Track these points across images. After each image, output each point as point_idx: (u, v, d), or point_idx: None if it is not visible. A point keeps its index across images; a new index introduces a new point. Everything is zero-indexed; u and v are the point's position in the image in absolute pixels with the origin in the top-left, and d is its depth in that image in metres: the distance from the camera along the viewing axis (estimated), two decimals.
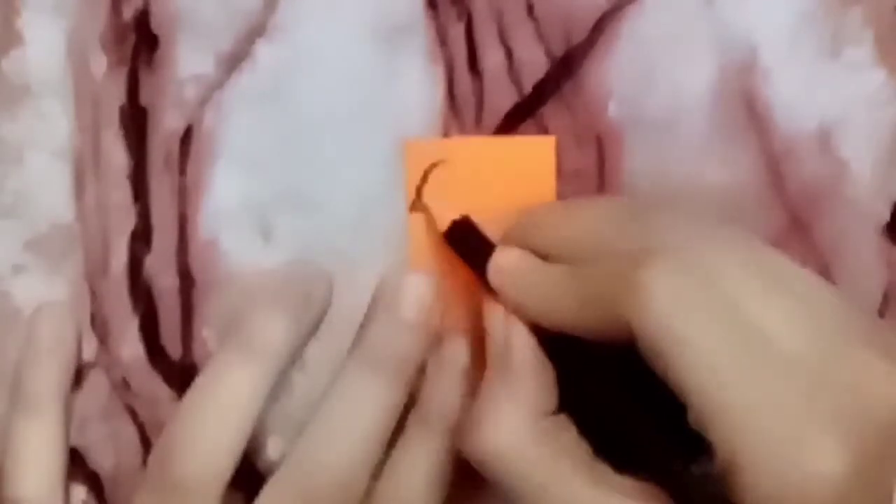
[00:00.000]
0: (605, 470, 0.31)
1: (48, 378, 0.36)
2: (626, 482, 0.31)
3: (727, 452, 0.28)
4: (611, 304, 0.30)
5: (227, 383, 0.34)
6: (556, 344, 0.32)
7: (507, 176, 0.37)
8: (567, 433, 0.32)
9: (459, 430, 0.33)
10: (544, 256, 0.33)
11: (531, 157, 0.37)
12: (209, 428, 0.33)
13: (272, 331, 0.34)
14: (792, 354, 0.28)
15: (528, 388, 0.32)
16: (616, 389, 0.32)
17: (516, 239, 0.34)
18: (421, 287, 0.35)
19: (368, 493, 0.34)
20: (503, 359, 0.33)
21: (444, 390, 0.35)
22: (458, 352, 0.35)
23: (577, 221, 0.33)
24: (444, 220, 0.36)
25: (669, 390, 0.29)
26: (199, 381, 0.34)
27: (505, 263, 0.34)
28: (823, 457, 0.27)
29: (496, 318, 0.34)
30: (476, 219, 0.36)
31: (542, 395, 0.32)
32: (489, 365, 0.33)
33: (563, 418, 0.32)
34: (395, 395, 0.34)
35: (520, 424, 0.31)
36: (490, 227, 0.36)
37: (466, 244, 0.35)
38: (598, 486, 0.31)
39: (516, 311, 0.33)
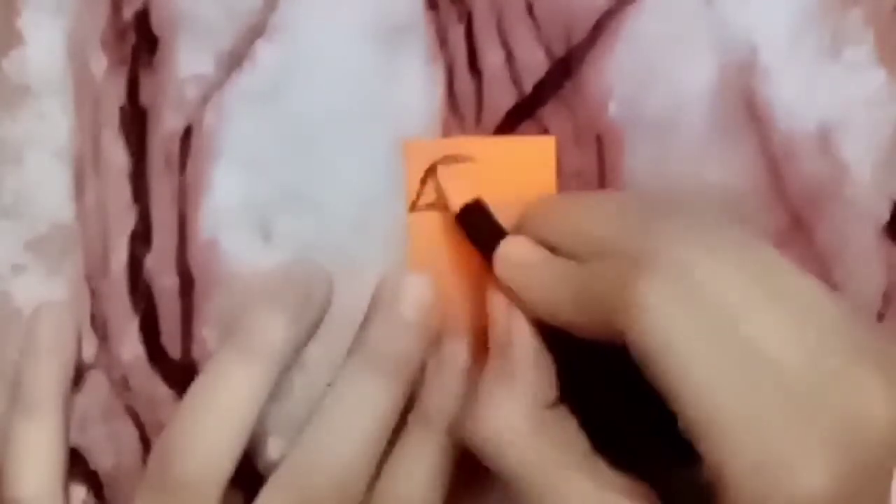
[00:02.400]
0: (600, 465, 0.31)
1: (48, 378, 0.36)
2: (620, 479, 0.31)
3: (714, 465, 0.28)
4: (606, 308, 0.30)
5: (227, 383, 0.34)
6: (555, 337, 0.32)
7: (508, 176, 0.37)
8: (566, 425, 0.32)
9: (462, 418, 0.33)
10: (552, 248, 0.33)
11: (531, 158, 0.37)
12: (209, 428, 0.33)
13: (272, 331, 0.34)
14: (786, 372, 0.28)
15: (526, 378, 0.32)
16: (612, 387, 0.32)
17: (526, 228, 0.34)
18: (420, 287, 0.35)
19: (368, 492, 0.34)
20: (504, 347, 0.33)
21: (445, 390, 0.35)
22: (458, 352, 0.35)
23: (585, 215, 0.33)
24: (457, 202, 0.36)
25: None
26: (199, 382, 0.34)
27: (511, 253, 0.34)
28: (811, 479, 0.26)
29: (499, 305, 0.33)
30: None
31: (541, 385, 0.32)
32: (491, 352, 0.33)
33: (563, 410, 0.32)
34: (395, 395, 0.34)
35: (518, 412, 0.31)
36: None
37: (477, 228, 0.35)
38: (592, 479, 0.31)
39: (518, 301, 0.33)
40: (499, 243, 0.34)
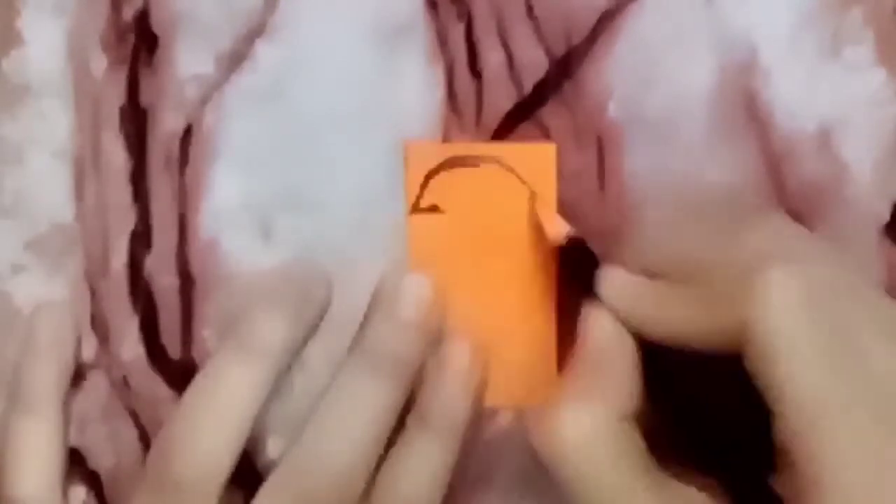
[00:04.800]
0: (669, 481, 0.31)
1: (47, 378, 0.36)
2: (687, 492, 0.31)
3: (810, 473, 0.27)
4: (728, 304, 0.30)
5: (226, 383, 0.34)
6: (653, 352, 0.32)
7: (508, 182, 0.37)
8: (637, 439, 0.32)
9: (533, 419, 0.33)
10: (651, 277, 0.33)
11: (531, 164, 0.37)
12: (208, 427, 0.33)
13: (271, 330, 0.34)
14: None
15: (617, 390, 0.32)
16: (707, 393, 0.32)
17: (622, 262, 0.34)
18: (420, 287, 0.35)
19: (366, 492, 0.34)
20: (597, 360, 0.33)
21: (447, 394, 0.35)
22: (459, 352, 0.35)
23: (681, 238, 0.34)
24: (555, 233, 0.35)
25: (756, 405, 0.29)
26: (198, 381, 0.34)
27: (617, 279, 0.33)
28: None
29: (601, 321, 0.33)
30: (480, 224, 0.36)
31: (629, 399, 0.32)
32: (577, 363, 0.33)
33: (633, 424, 0.32)
34: (393, 395, 0.34)
35: (602, 423, 0.31)
36: (490, 233, 0.36)
37: (577, 261, 0.35)
38: (661, 497, 0.31)
39: (625, 321, 0.33)
40: (596, 274, 0.34)
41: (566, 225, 0.35)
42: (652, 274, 0.33)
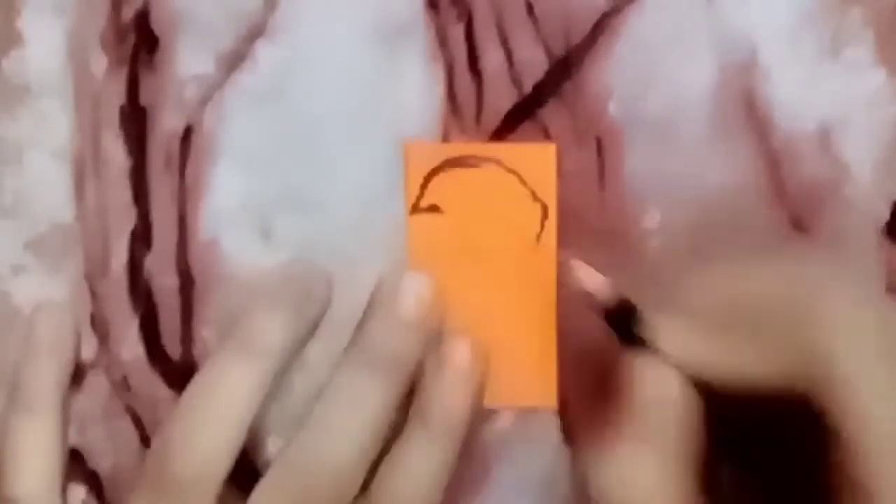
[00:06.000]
0: None
1: (46, 377, 0.36)
2: None
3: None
4: (790, 340, 0.30)
5: (225, 382, 0.34)
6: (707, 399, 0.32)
7: (507, 182, 0.37)
8: (687, 487, 0.32)
9: (588, 458, 0.33)
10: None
11: (531, 164, 0.37)
12: (206, 426, 0.33)
13: (270, 330, 0.34)
14: None
15: (671, 441, 0.32)
16: (758, 443, 0.32)
17: (665, 310, 0.34)
18: (419, 286, 0.35)
19: (365, 491, 0.34)
20: (649, 409, 0.32)
21: (447, 393, 0.35)
22: (461, 353, 0.35)
23: (735, 285, 0.33)
24: (597, 289, 0.35)
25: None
26: (197, 380, 0.34)
27: (671, 325, 0.33)
28: None
29: (650, 370, 0.33)
30: (480, 224, 0.36)
31: (686, 445, 0.32)
32: (630, 414, 0.33)
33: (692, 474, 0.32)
34: (391, 393, 0.34)
35: (655, 475, 0.31)
36: (489, 233, 0.36)
37: (622, 323, 0.34)
38: None
39: (685, 369, 0.32)
40: (642, 333, 0.33)
41: (601, 277, 0.34)
42: (698, 321, 0.33)
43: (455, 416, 0.34)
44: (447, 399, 0.35)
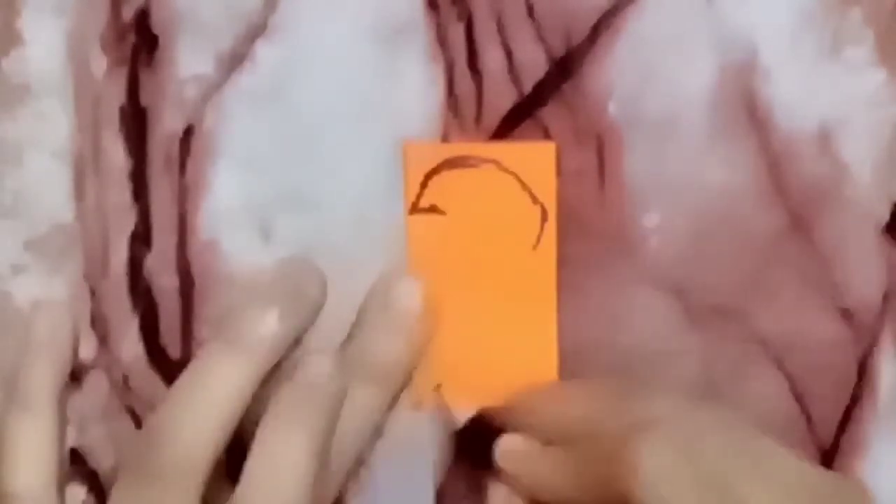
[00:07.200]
0: None
1: (44, 376, 0.36)
2: None
3: None
4: (608, 478, 0.32)
5: (214, 375, 0.33)
6: None
7: (507, 181, 0.37)
8: None
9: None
10: (544, 440, 0.35)
11: (531, 163, 0.37)
12: (191, 417, 0.33)
13: (262, 325, 0.34)
14: None
15: None
16: None
17: (517, 424, 0.36)
18: (410, 294, 0.35)
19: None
20: None
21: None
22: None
23: (569, 406, 0.36)
24: (461, 411, 0.37)
25: None
26: (187, 372, 0.34)
27: (509, 447, 0.36)
28: None
29: (498, 495, 0.36)
30: (479, 224, 0.36)
31: None
32: None
33: None
34: (381, 400, 0.35)
35: None
36: (489, 233, 0.36)
37: (480, 435, 0.37)
38: None
39: (522, 491, 0.36)
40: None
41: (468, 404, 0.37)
42: (550, 440, 0.35)
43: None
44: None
